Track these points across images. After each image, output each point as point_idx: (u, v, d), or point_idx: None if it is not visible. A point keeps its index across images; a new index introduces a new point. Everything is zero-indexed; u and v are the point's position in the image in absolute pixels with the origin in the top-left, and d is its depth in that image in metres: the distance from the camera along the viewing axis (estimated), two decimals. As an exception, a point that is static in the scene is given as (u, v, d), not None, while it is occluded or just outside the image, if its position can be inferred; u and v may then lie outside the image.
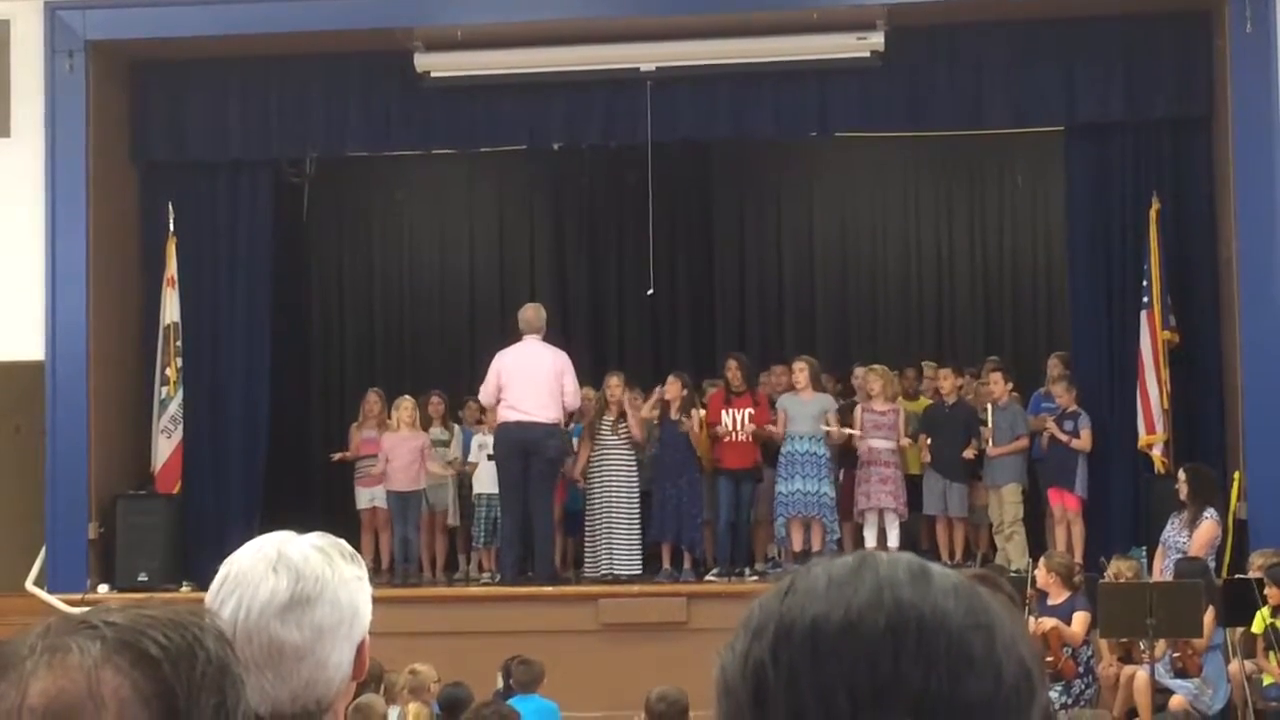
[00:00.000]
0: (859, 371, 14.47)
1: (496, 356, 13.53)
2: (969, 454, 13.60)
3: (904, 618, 1.28)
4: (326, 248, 17.35)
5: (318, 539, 2.48)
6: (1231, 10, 12.69)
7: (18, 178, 13.70)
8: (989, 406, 13.68)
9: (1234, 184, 12.80)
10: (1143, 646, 10.95)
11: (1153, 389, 13.13)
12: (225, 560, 2.45)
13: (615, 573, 13.46)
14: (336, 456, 14.85)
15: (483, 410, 14.22)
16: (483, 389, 13.56)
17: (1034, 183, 16.52)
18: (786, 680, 1.28)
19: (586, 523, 13.77)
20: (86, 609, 1.54)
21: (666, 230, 15.66)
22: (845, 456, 13.80)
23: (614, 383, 13.88)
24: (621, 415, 13.75)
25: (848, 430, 13.55)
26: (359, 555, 2.54)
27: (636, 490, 13.73)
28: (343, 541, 2.52)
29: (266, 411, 14.62)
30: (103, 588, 13.45)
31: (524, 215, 17.53)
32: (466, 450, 14.48)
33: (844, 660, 1.27)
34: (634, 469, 13.74)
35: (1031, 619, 10.57)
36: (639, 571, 13.56)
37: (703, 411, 13.78)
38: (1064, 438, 13.25)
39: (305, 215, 16.53)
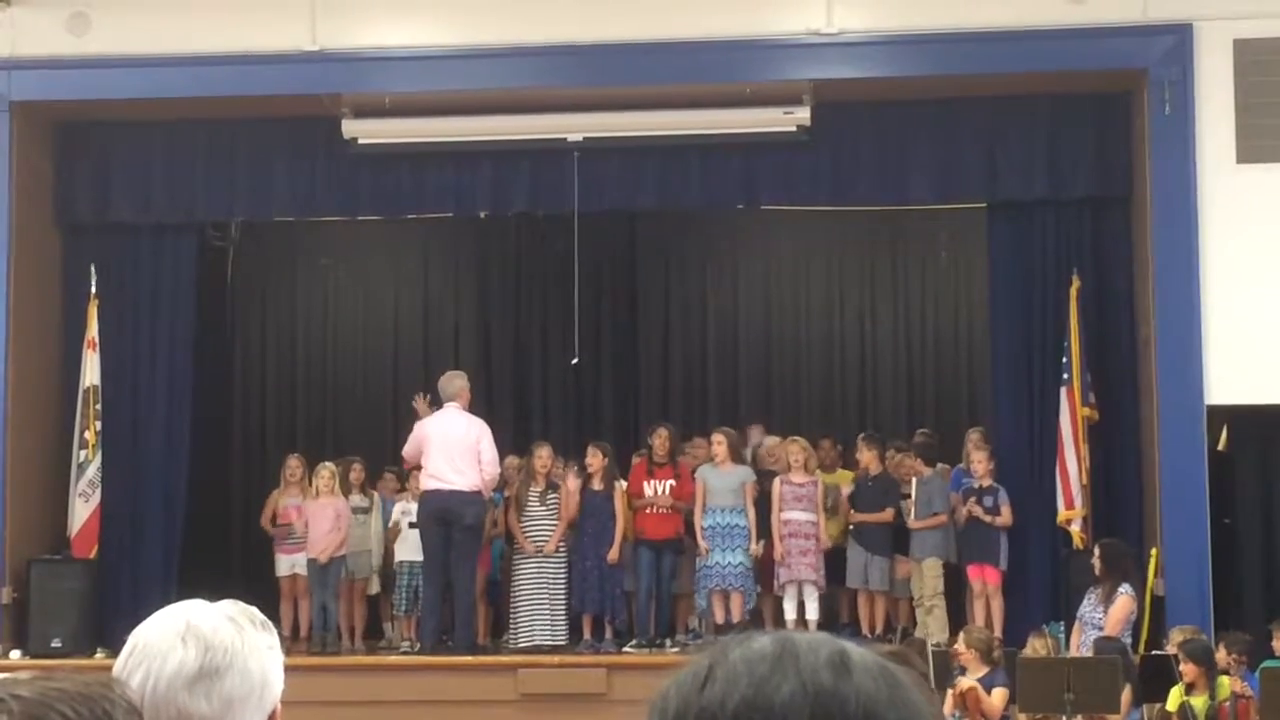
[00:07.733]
0: (768, 442, 14.51)
1: (420, 423, 13.52)
2: (885, 517, 13.69)
3: (828, 711, 1.26)
4: (250, 312, 17.22)
5: (228, 607, 2.45)
6: (1150, 94, 12.87)
7: (-62, 237, 13.58)
8: (912, 480, 13.74)
9: (1152, 263, 12.94)
10: (1061, 722, 10.98)
11: (1072, 465, 13.22)
12: (133, 631, 2.42)
13: (539, 643, 13.38)
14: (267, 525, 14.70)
15: (399, 480, 14.31)
16: (406, 448, 13.57)
17: (957, 257, 16.61)
18: None
19: (511, 592, 13.70)
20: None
21: (592, 299, 15.64)
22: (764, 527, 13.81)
23: (543, 453, 13.84)
24: (550, 486, 13.71)
25: (757, 549, 13.55)
26: (270, 623, 2.51)
27: (563, 560, 13.68)
28: (254, 609, 2.49)
29: (186, 476, 14.48)
30: (15, 653, 13.25)
31: (449, 283, 17.47)
32: (388, 518, 14.39)
33: None
34: (560, 539, 13.71)
35: (955, 681, 10.68)
36: (564, 642, 13.49)
37: (624, 482, 13.77)
38: (986, 518, 13.28)
39: (229, 279, 16.45)
